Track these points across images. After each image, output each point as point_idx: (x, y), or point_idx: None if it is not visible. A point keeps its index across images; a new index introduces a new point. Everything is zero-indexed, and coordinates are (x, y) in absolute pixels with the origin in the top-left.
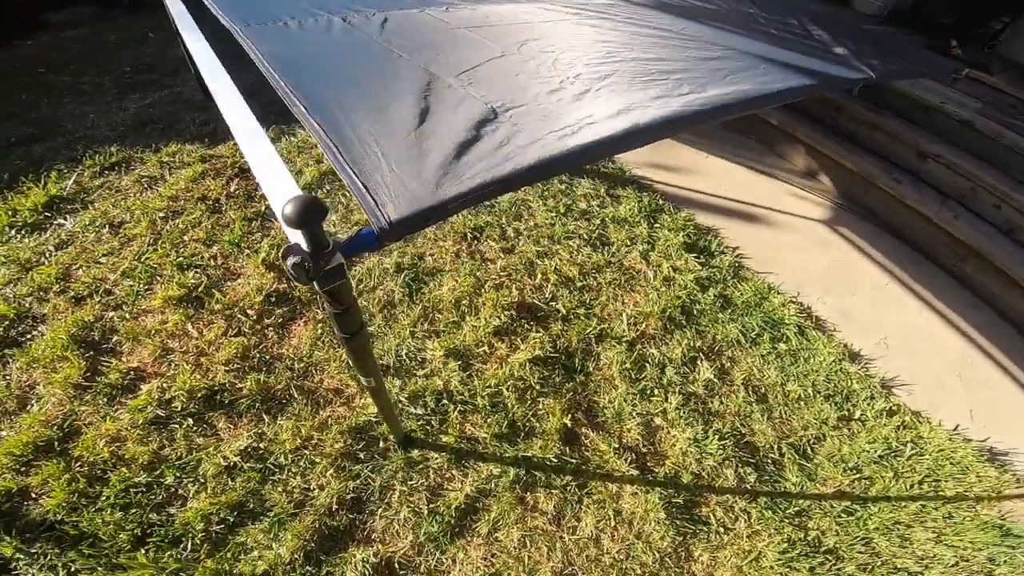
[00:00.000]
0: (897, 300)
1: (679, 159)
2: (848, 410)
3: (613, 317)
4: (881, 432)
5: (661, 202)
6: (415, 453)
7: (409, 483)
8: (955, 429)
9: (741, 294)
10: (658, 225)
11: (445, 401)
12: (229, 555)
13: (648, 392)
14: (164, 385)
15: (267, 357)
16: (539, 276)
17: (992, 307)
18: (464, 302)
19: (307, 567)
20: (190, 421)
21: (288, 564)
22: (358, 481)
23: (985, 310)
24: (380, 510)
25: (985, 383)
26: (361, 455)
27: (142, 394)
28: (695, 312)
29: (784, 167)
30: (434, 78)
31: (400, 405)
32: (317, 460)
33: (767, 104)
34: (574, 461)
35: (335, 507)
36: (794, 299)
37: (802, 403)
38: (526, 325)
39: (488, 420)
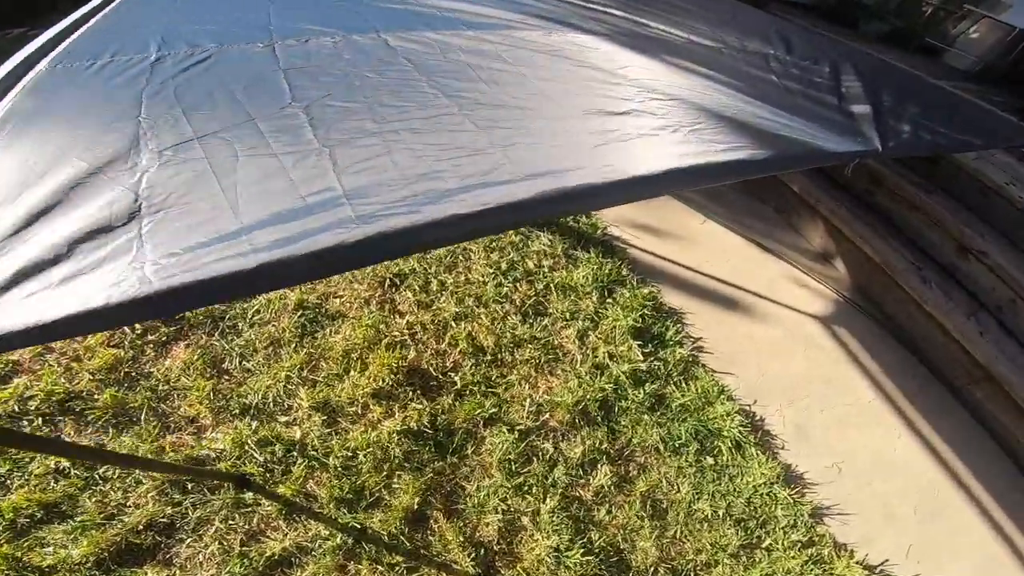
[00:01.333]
0: (875, 421)
1: (668, 221)
2: (757, 537)
3: (515, 401)
4: (785, 564)
5: (625, 272)
6: (248, 496)
7: (229, 522)
8: (879, 566)
9: (682, 395)
10: (611, 300)
11: (295, 453)
12: (25, 545)
13: (525, 488)
14: (30, 383)
15: (135, 373)
16: (447, 340)
17: (996, 439)
18: (354, 355)
19: (95, 572)
20: (39, 421)
21: (76, 564)
22: (177, 509)
23: (986, 442)
24: (190, 540)
25: (942, 516)
26: (189, 485)
27: (10, 387)
28: (617, 409)
29: (795, 245)
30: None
31: (246, 447)
32: (144, 481)
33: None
34: (412, 544)
35: (143, 527)
36: (746, 408)
37: (706, 525)
38: (411, 393)
39: (334, 482)
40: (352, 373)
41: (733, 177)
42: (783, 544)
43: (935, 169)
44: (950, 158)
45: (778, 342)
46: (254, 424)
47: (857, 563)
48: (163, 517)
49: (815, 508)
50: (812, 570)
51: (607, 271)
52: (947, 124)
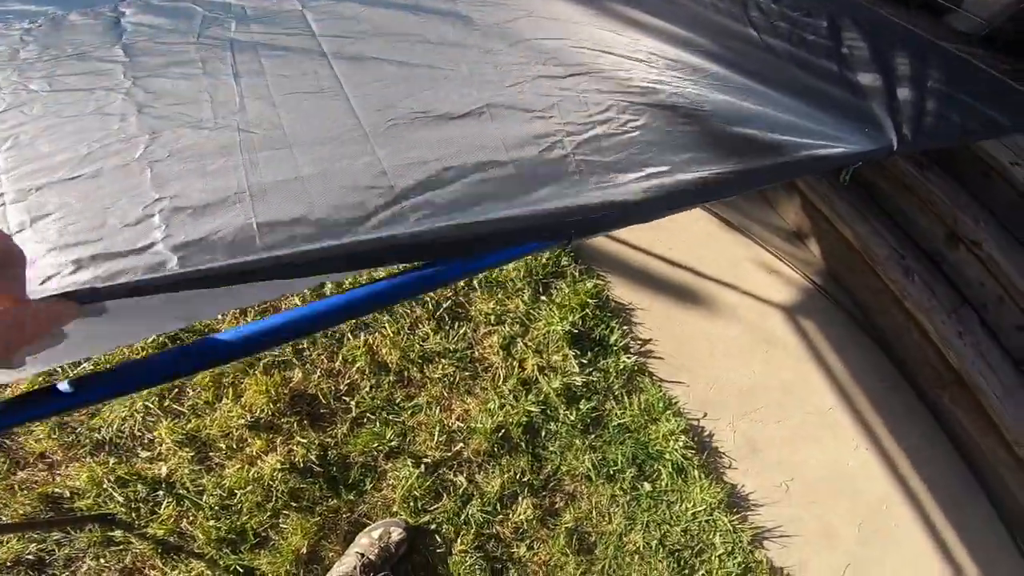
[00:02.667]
0: (833, 432)
1: None
2: (691, 568)
3: (422, 429)
4: None
5: (566, 262)
6: (118, 533)
7: (101, 560)
8: None
9: (622, 413)
10: (546, 298)
11: (161, 492)
12: None
13: (434, 527)
14: None
15: None
16: (341, 358)
17: (958, 448)
18: (226, 380)
19: None
20: None
21: None
22: (42, 545)
23: (948, 452)
24: (65, 574)
25: (886, 534)
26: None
27: None
28: (544, 433)
29: (768, 222)
30: None
31: (104, 485)
32: (2, 518)
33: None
34: None
35: (11, 563)
36: (695, 423)
37: (637, 558)
38: (296, 423)
39: (211, 522)
40: (224, 402)
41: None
42: (717, 574)
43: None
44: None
45: (737, 341)
46: (111, 461)
47: None
48: (29, 554)
49: (756, 532)
50: None
51: (544, 261)
52: (975, 101)
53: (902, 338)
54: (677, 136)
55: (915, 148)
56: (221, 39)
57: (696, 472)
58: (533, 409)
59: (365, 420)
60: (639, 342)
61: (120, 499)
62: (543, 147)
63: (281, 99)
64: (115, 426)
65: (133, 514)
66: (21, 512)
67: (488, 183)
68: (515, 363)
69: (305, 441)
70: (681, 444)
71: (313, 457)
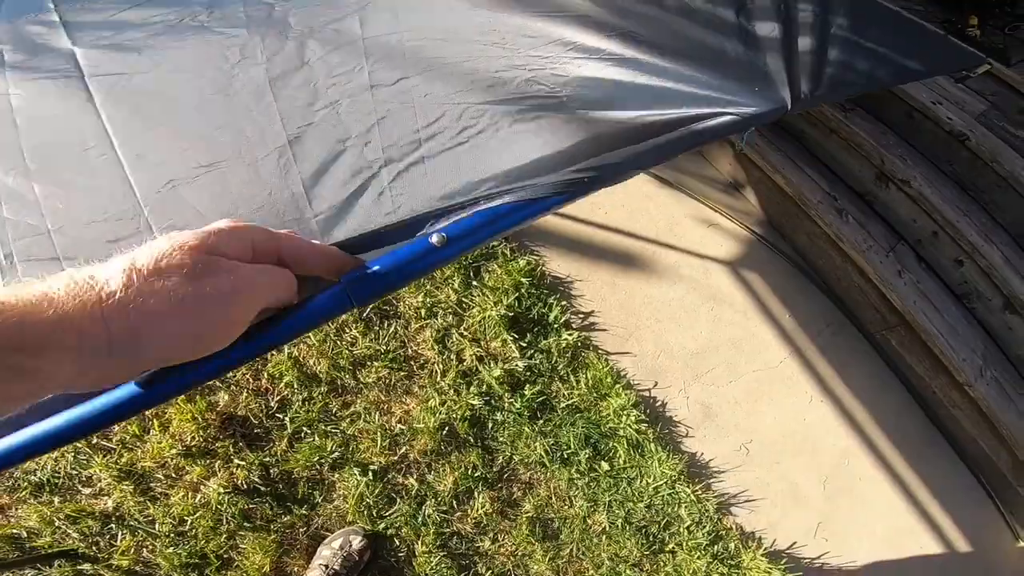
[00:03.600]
0: (787, 385)
1: None
2: (660, 542)
3: (364, 436)
4: (690, 567)
5: (496, 242)
6: (87, 567)
7: None
8: (786, 550)
9: (570, 393)
10: (478, 283)
11: (113, 525)
12: None
13: (391, 532)
14: None
15: None
16: (267, 375)
17: (910, 390)
18: (149, 412)
19: None
20: None
21: None
22: None
23: (900, 394)
24: None
25: (851, 490)
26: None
27: None
28: (491, 425)
29: (704, 175)
30: None
31: (56, 523)
32: None
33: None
34: None
35: None
36: (645, 394)
37: (604, 538)
38: (232, 446)
39: (170, 549)
40: (152, 433)
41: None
42: (687, 545)
43: None
44: None
45: (682, 302)
46: (55, 500)
47: (764, 553)
48: None
49: (721, 500)
50: (717, 568)
51: None
52: (884, 47)
53: (842, 281)
54: (523, 137)
55: (814, 104)
56: None
57: (652, 446)
58: (476, 401)
59: (303, 434)
60: (581, 316)
61: (75, 535)
62: (352, 189)
63: (36, 168)
64: (49, 467)
65: (94, 548)
66: None
67: None
68: (452, 356)
69: (244, 463)
70: (633, 419)
71: (256, 477)
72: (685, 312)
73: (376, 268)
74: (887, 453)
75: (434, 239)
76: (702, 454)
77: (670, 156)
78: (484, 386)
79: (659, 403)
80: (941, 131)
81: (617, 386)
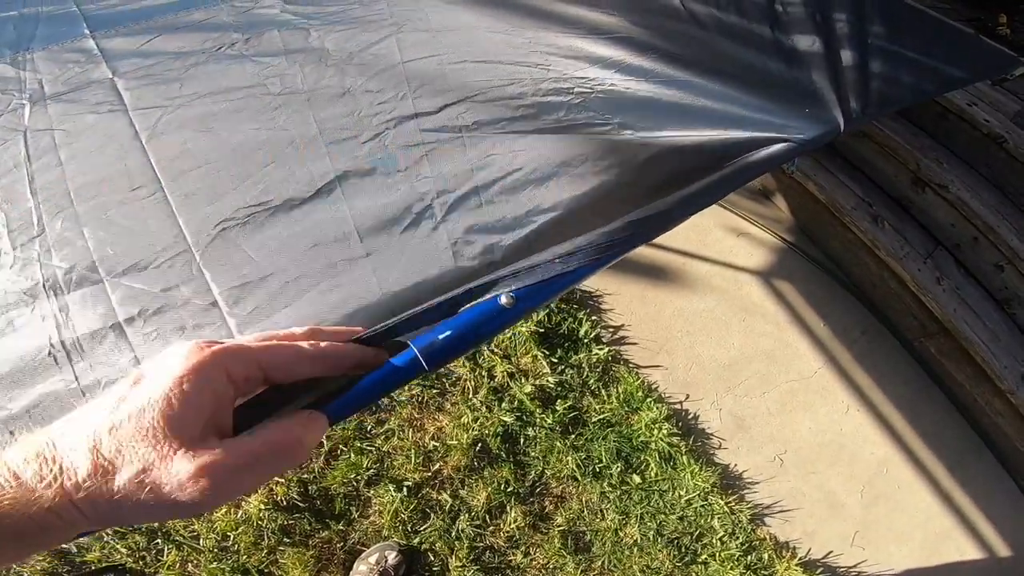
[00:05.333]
0: (822, 395)
1: None
2: (693, 553)
3: (398, 453)
4: None
5: None
6: None
7: None
8: (823, 559)
9: (601, 407)
10: None
11: (159, 540)
12: None
13: (426, 546)
14: None
15: None
16: None
17: (950, 398)
18: None
19: None
20: None
21: None
22: None
23: (940, 403)
24: None
25: (889, 496)
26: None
27: None
28: (523, 440)
29: None
30: None
31: (105, 538)
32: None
33: None
34: None
35: None
36: (677, 407)
37: (636, 550)
38: None
39: (213, 564)
40: None
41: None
42: (720, 556)
43: None
44: None
45: (713, 314)
46: None
47: (799, 562)
48: None
49: (755, 510)
50: None
51: None
52: (926, 56)
53: (878, 289)
54: (575, 169)
55: (866, 122)
56: (16, 129)
57: (684, 458)
58: (508, 418)
59: (339, 452)
60: (611, 330)
61: (123, 550)
62: (406, 224)
63: (84, 211)
64: None
65: (140, 562)
66: (40, 568)
67: (338, 290)
68: (484, 372)
69: (283, 480)
70: (665, 432)
71: (295, 494)
72: (716, 324)
73: (447, 333)
74: (926, 460)
75: (503, 300)
76: (735, 466)
77: (726, 194)
78: (516, 402)
79: (691, 416)
80: (978, 133)
81: (648, 399)
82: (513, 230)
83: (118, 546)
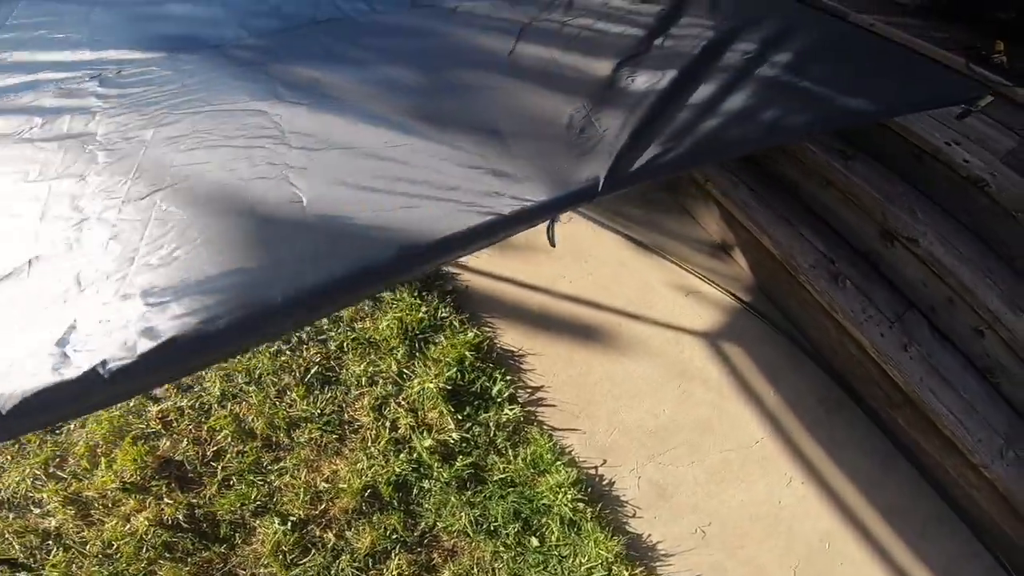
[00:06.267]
0: (761, 466)
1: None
2: None
3: (288, 489)
4: None
5: (446, 312)
6: (23, 574)
7: None
8: None
9: (505, 467)
10: (423, 354)
11: (51, 542)
12: None
13: None
14: None
15: None
16: (208, 428)
17: (919, 470)
18: (100, 449)
19: None
20: None
21: None
22: None
23: (907, 473)
24: None
25: (830, 574)
26: None
27: None
28: (417, 491)
29: (689, 237)
30: None
31: (5, 535)
32: None
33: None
34: None
35: None
36: (591, 472)
37: None
38: (165, 486)
39: (95, 568)
40: (100, 468)
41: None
42: None
43: (855, 129)
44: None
45: (645, 378)
46: (11, 516)
47: None
48: None
49: None
50: None
51: (421, 315)
52: (861, 85)
53: (840, 354)
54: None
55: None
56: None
57: (590, 524)
58: (404, 468)
59: (232, 482)
60: (529, 391)
61: (18, 547)
62: None
63: None
64: (11, 489)
65: (31, 559)
66: None
67: None
68: (387, 423)
69: (174, 501)
70: (570, 496)
71: (181, 516)
72: (648, 388)
73: None
74: (881, 534)
75: None
76: (649, 536)
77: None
78: (415, 454)
79: (605, 482)
80: (956, 176)
81: (558, 463)
82: None
83: (15, 543)
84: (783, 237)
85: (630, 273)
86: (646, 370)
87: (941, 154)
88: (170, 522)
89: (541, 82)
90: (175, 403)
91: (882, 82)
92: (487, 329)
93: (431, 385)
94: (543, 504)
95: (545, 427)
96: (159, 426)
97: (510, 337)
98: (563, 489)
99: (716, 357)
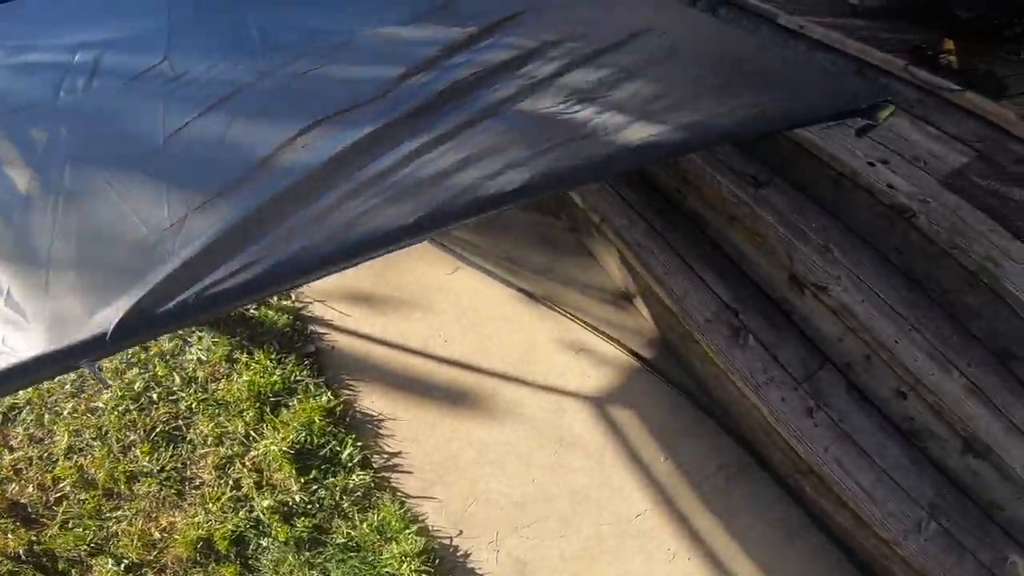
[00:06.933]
0: (640, 540)
1: (406, 278)
2: None
3: (126, 535)
4: None
5: (303, 375)
6: None
7: None
8: None
9: (350, 531)
10: (274, 416)
11: None
12: None
13: None
14: None
15: None
16: (52, 476)
17: (830, 538)
18: None
19: None
20: None
21: None
22: None
23: (814, 540)
24: None
25: None
26: None
27: None
28: (255, 547)
29: (588, 283)
30: None
31: None
32: None
33: None
34: None
35: None
36: (445, 542)
37: None
38: (10, 523)
39: None
40: None
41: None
42: None
43: (771, 152)
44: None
45: (514, 446)
46: None
47: None
48: None
49: None
50: None
51: (276, 377)
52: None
53: (747, 417)
54: None
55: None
56: None
57: None
58: (242, 524)
59: (71, 524)
60: (385, 456)
61: None
62: None
63: None
64: None
65: None
66: None
67: None
68: (230, 482)
69: (16, 537)
70: (415, 566)
71: (22, 550)
72: (519, 456)
73: None
74: None
75: None
76: None
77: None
78: (254, 512)
79: (460, 553)
80: (880, 204)
81: (407, 531)
82: None
83: None
84: (678, 286)
85: (515, 329)
86: (518, 437)
87: (860, 178)
88: (12, 554)
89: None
90: (26, 453)
91: (747, 94)
92: (347, 392)
93: (276, 448)
94: (386, 571)
95: (398, 493)
96: (11, 472)
97: (371, 400)
98: (409, 559)
99: (602, 422)
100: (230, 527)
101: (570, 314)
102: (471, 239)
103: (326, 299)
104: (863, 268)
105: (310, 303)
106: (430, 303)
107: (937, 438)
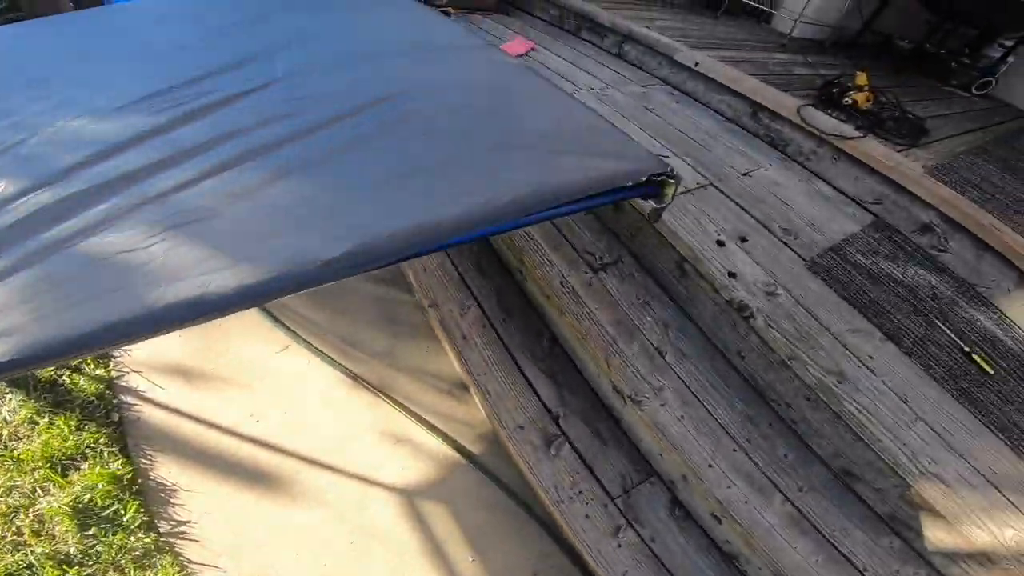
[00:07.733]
0: None
1: (231, 353)
2: None
3: None
4: None
5: (101, 441)
6: None
7: None
8: None
9: None
10: (63, 477)
11: None
12: None
13: None
14: None
15: None
16: None
17: None
18: None
19: None
20: None
21: None
22: None
23: None
24: None
25: None
26: None
27: None
28: None
29: (429, 370)
30: None
31: None
32: None
33: None
34: None
35: None
36: None
37: None
38: None
39: None
40: None
41: None
42: None
43: (618, 222)
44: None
45: (312, 531)
46: None
47: None
48: None
49: None
50: None
51: (73, 442)
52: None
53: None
54: None
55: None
56: None
57: None
58: (17, 566)
59: None
60: (173, 523)
61: None
62: None
63: None
64: None
65: None
66: None
67: None
68: (12, 528)
69: None
70: None
71: None
72: (313, 541)
73: None
74: None
75: None
76: None
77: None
78: (30, 556)
79: None
80: (720, 299)
81: None
82: None
83: None
84: (494, 385)
85: (336, 415)
86: (317, 522)
87: (702, 264)
88: None
89: None
90: None
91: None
92: (145, 461)
93: (58, 504)
94: None
95: (181, 558)
96: None
97: (168, 471)
98: None
99: (411, 515)
100: (6, 568)
101: (399, 403)
102: (308, 314)
103: (143, 369)
104: (696, 377)
105: (127, 373)
106: (251, 381)
107: (753, 565)
